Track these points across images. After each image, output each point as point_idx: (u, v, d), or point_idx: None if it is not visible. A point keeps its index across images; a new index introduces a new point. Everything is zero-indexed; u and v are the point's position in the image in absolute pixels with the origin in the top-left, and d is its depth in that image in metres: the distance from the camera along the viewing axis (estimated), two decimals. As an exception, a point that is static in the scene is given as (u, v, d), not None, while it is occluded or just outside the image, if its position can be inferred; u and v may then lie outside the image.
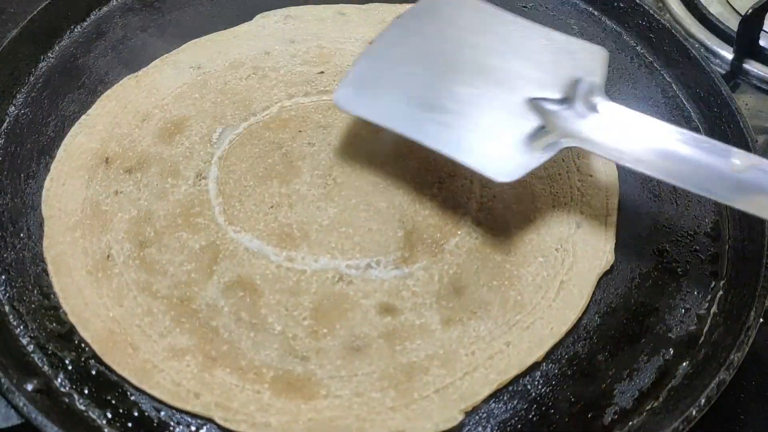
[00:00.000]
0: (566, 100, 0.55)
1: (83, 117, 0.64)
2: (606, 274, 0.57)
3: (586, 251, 0.57)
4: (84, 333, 0.53)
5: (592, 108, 0.54)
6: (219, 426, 0.50)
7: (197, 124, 0.63)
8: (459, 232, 0.57)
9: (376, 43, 0.59)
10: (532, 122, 0.54)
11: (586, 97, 0.54)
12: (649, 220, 0.60)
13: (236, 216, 0.57)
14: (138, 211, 0.58)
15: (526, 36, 0.58)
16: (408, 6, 0.71)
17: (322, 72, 0.66)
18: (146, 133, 0.62)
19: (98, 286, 0.55)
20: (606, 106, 0.54)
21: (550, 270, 0.56)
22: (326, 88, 0.65)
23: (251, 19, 0.71)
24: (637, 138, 0.52)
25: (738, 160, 0.50)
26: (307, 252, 0.56)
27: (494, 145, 0.53)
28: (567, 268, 0.56)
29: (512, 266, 0.56)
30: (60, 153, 0.61)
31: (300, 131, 0.62)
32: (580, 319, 0.55)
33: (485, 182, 0.59)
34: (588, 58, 0.57)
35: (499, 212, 0.58)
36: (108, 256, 0.56)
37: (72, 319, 0.53)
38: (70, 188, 0.59)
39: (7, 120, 0.64)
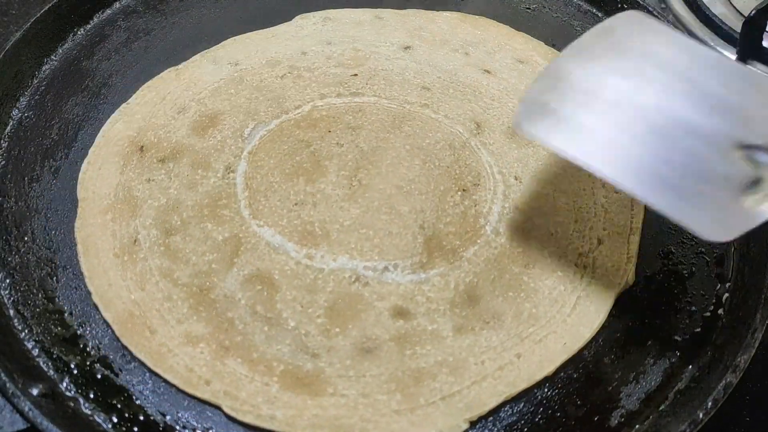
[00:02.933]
0: None
1: (123, 105, 0.65)
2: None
3: (606, 268, 0.57)
4: (105, 314, 0.54)
5: None
6: (226, 415, 0.50)
7: (231, 119, 0.64)
8: (478, 241, 0.57)
9: (559, 64, 0.52)
10: (745, 173, 0.47)
11: None
12: (655, 222, 0.60)
13: (261, 210, 0.58)
14: (167, 199, 0.59)
15: (726, 73, 0.51)
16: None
17: (356, 74, 0.67)
18: (181, 125, 0.63)
19: (123, 269, 0.56)
20: None
21: (567, 285, 0.56)
22: (359, 90, 0.65)
23: (256, 22, 0.71)
24: None
25: None
26: (326, 251, 0.56)
27: (705, 198, 0.47)
28: (585, 284, 0.56)
29: (529, 278, 0.56)
30: (98, 138, 0.63)
31: (329, 131, 0.62)
32: (585, 322, 0.55)
33: (508, 193, 0.60)
34: None
35: (520, 224, 0.58)
36: (135, 241, 0.57)
37: (95, 299, 0.55)
38: (105, 173, 0.61)
39: (11, 123, 0.64)
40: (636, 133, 0.48)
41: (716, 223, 0.46)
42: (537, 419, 0.51)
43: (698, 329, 0.55)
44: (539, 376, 0.52)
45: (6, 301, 0.55)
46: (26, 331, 0.54)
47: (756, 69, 0.74)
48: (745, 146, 0.47)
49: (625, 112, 0.49)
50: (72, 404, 0.50)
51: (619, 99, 0.50)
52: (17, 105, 0.65)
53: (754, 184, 0.47)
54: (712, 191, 0.47)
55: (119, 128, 0.63)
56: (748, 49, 0.77)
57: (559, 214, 0.59)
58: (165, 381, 0.51)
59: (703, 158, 0.48)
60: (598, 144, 0.48)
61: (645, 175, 0.47)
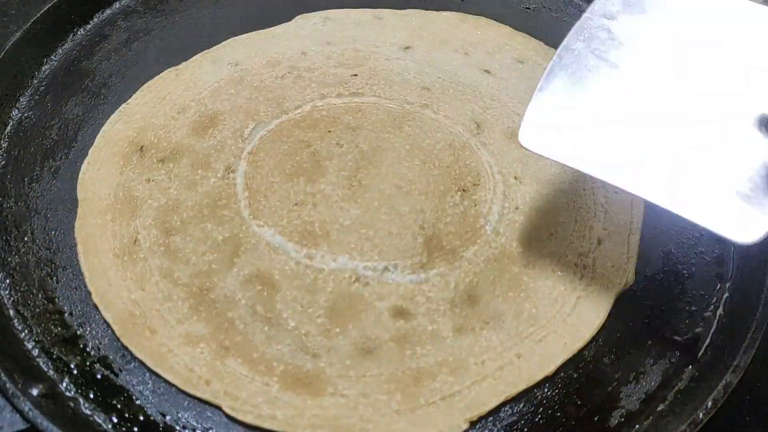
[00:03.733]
0: None
1: (123, 105, 0.65)
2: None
3: (606, 268, 0.57)
4: (105, 314, 0.54)
5: None
6: (226, 415, 0.50)
7: (231, 119, 0.64)
8: (478, 241, 0.57)
9: (561, 57, 0.49)
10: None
11: None
12: (655, 222, 0.60)
13: (261, 211, 0.58)
14: (167, 199, 0.59)
15: (748, 25, 0.46)
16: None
17: (356, 74, 0.67)
18: (181, 125, 0.63)
19: (123, 269, 0.56)
20: None
21: (567, 285, 0.56)
22: (359, 90, 0.66)
23: (256, 22, 0.71)
24: None
25: None
26: (326, 251, 0.56)
27: (724, 191, 0.43)
28: (585, 284, 0.56)
29: (529, 278, 0.56)
30: (98, 138, 0.63)
31: (329, 131, 0.62)
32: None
33: (508, 193, 0.60)
34: None
35: (520, 224, 0.58)
36: (135, 241, 0.57)
37: (95, 299, 0.55)
38: (105, 173, 0.61)
39: (11, 123, 0.64)
40: (646, 133, 0.45)
41: (742, 221, 0.42)
42: (537, 419, 0.51)
43: (698, 329, 0.55)
44: (539, 376, 0.52)
45: (6, 301, 0.55)
46: (26, 331, 0.54)
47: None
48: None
49: (632, 106, 0.46)
50: (72, 404, 0.50)
51: (622, 90, 0.47)
52: (17, 105, 0.65)
53: None
54: (734, 184, 0.43)
55: (119, 128, 0.64)
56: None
57: (559, 214, 0.59)
58: (165, 381, 0.52)
59: (721, 144, 0.43)
60: (604, 150, 0.46)
61: (660, 179, 0.44)
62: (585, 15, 0.50)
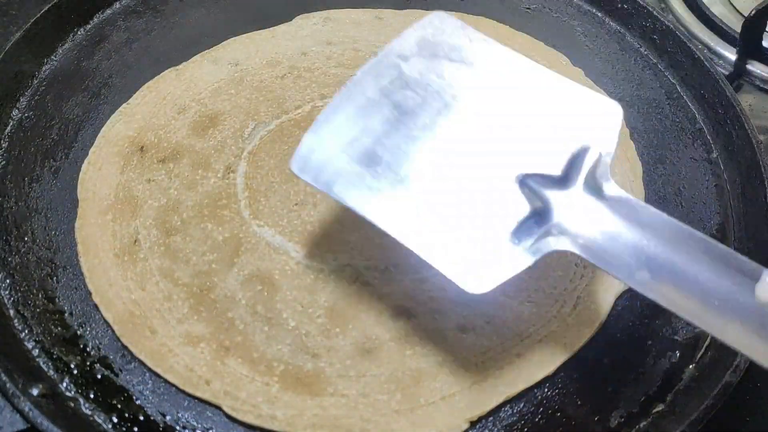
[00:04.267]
0: (566, 179, 0.46)
1: (123, 105, 0.65)
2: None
3: None
4: (106, 314, 0.54)
5: (597, 192, 0.45)
6: (226, 415, 0.50)
7: (231, 119, 0.64)
8: None
9: (348, 87, 0.50)
10: (520, 209, 0.46)
11: (591, 176, 0.45)
12: (655, 222, 0.60)
13: (261, 211, 0.58)
14: (167, 199, 0.59)
15: (527, 85, 0.49)
16: (442, 12, 0.71)
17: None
18: (182, 125, 0.64)
19: (123, 269, 0.56)
20: (614, 194, 0.45)
21: (568, 284, 0.56)
22: None
23: (256, 22, 0.71)
24: (649, 246, 0.44)
25: (764, 290, 0.41)
26: (327, 251, 0.56)
27: (469, 241, 0.46)
28: (585, 284, 0.56)
29: (530, 278, 0.55)
30: (98, 138, 0.63)
31: None
32: (585, 321, 0.55)
33: None
34: (598, 119, 0.47)
35: None
36: (135, 241, 0.57)
37: (96, 299, 0.55)
38: (106, 173, 0.61)
39: (11, 123, 0.64)
40: (411, 174, 0.47)
41: (475, 271, 0.45)
42: (537, 419, 0.51)
43: (698, 329, 0.55)
44: (540, 375, 0.52)
45: (6, 301, 0.55)
46: (26, 331, 0.54)
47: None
48: (527, 175, 0.47)
49: (404, 146, 0.48)
50: (72, 404, 0.50)
51: (396, 116, 0.49)
52: (17, 105, 0.65)
53: (529, 221, 0.46)
54: (478, 232, 0.46)
55: (119, 128, 0.64)
56: (748, 49, 0.77)
57: None
58: (165, 381, 0.52)
59: (475, 191, 0.46)
60: (365, 185, 0.47)
61: (411, 221, 0.46)
62: (380, 53, 0.51)
